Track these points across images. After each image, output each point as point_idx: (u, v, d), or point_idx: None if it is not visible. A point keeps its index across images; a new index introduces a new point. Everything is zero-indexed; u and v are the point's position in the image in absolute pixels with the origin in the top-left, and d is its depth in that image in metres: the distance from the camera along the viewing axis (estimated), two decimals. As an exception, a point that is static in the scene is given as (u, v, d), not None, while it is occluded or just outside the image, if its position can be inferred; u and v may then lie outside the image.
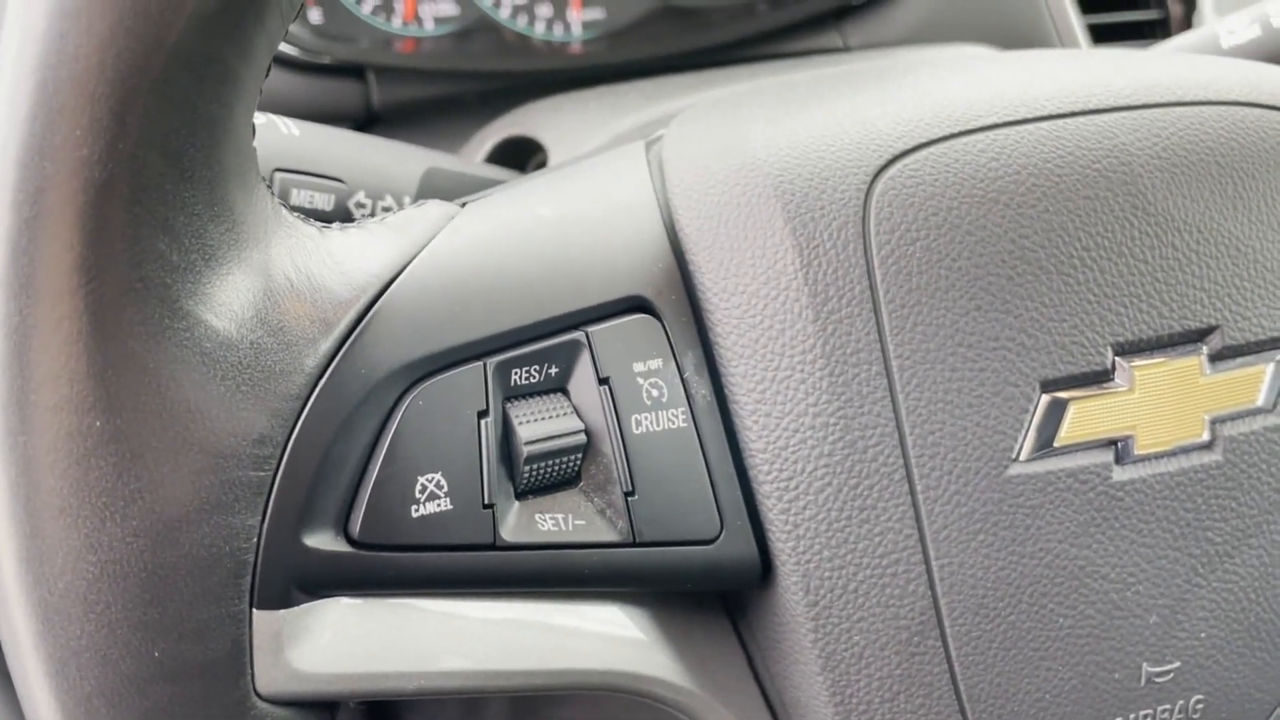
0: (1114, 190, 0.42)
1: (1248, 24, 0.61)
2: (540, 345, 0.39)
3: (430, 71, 0.80)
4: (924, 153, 0.41)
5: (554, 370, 0.39)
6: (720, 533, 0.40)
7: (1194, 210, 0.43)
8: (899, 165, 0.41)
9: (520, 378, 0.39)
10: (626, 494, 0.39)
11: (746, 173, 0.41)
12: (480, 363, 0.38)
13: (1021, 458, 0.41)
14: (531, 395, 0.39)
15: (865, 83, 0.47)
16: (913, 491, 0.40)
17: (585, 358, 0.40)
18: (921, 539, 0.40)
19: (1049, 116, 0.43)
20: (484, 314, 0.38)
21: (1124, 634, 0.42)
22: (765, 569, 0.41)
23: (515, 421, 0.38)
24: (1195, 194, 0.43)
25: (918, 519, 0.40)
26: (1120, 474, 0.42)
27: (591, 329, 0.40)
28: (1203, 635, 0.43)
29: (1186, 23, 1.00)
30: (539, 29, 0.82)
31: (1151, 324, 0.42)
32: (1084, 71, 0.46)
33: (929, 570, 0.40)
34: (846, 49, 0.86)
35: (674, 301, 0.41)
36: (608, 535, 0.39)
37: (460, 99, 0.80)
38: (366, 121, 0.79)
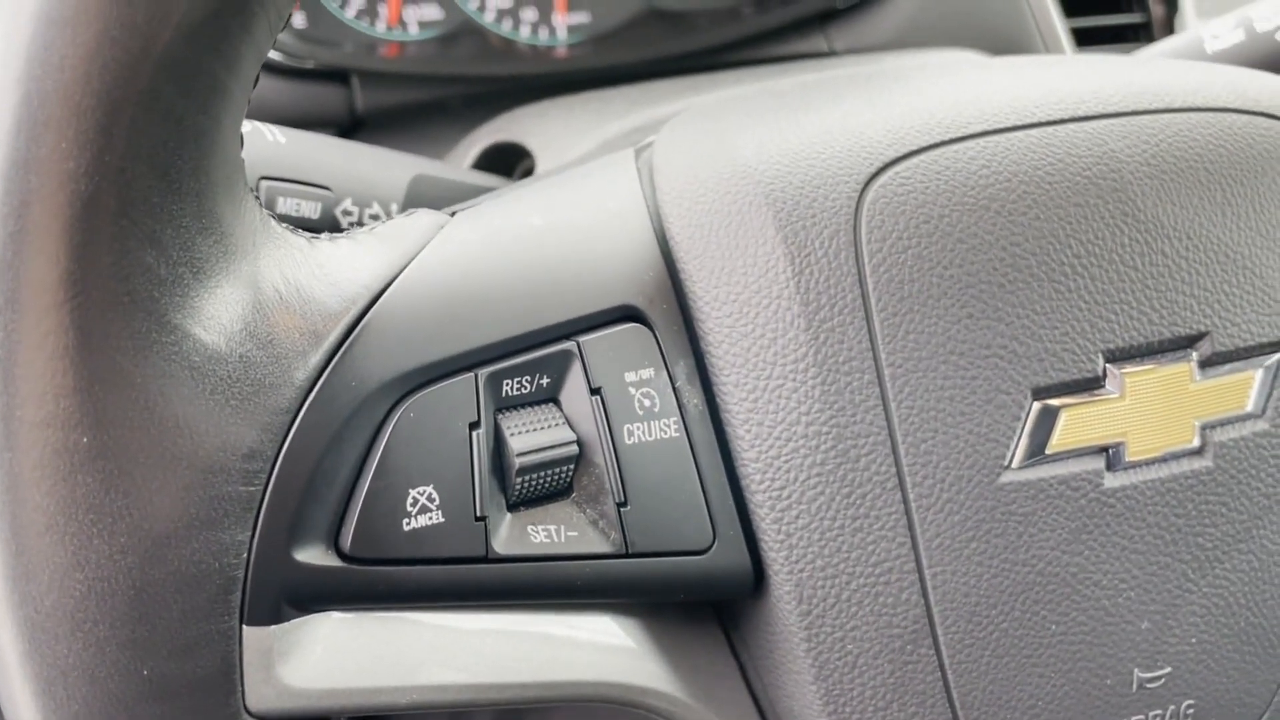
0: (1104, 197, 0.42)
1: (1232, 28, 0.61)
2: (531, 356, 0.39)
3: (415, 76, 0.79)
4: (915, 160, 0.41)
5: (545, 381, 0.39)
6: (713, 543, 0.40)
7: (1183, 217, 0.43)
8: (890, 173, 0.41)
9: (512, 388, 0.39)
10: (619, 504, 0.39)
11: (737, 180, 0.41)
12: (471, 374, 0.38)
13: (1013, 465, 0.41)
14: (523, 406, 0.39)
15: (855, 89, 0.47)
16: (905, 500, 0.40)
17: (577, 368, 0.39)
18: (914, 547, 0.40)
19: (1039, 124, 0.43)
20: (475, 325, 0.38)
21: (1116, 640, 0.42)
22: (758, 579, 0.41)
23: (507, 433, 0.38)
24: (1184, 200, 0.43)
25: (910, 527, 0.40)
26: (1111, 480, 0.42)
27: (583, 339, 0.39)
28: (1193, 641, 0.43)
29: (1168, 25, 1.01)
30: (524, 33, 0.82)
31: (1142, 331, 0.42)
32: (1073, 78, 0.46)
33: (922, 578, 0.40)
34: (832, 53, 0.86)
35: (665, 310, 0.41)
36: (600, 546, 0.39)
37: (445, 103, 0.80)
38: (351, 126, 0.78)
